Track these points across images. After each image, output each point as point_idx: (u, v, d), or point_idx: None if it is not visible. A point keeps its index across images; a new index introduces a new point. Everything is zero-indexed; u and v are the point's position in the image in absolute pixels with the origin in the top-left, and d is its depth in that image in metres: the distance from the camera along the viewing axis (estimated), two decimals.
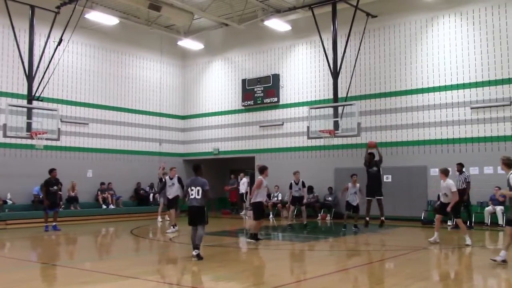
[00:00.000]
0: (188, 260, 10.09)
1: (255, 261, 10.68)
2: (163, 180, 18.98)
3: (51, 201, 15.38)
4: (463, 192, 15.32)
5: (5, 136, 16.16)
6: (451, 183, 11.82)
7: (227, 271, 8.87)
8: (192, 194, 9.87)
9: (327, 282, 7.93)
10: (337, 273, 8.86)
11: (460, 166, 15.56)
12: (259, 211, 12.44)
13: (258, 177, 12.53)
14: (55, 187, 15.53)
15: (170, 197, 15.06)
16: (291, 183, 16.10)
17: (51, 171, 15.62)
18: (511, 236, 8.89)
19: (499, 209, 15.70)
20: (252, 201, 12.58)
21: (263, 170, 12.50)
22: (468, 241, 11.63)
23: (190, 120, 24.84)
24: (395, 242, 12.77)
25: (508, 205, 9.17)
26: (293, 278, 8.45)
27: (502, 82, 16.60)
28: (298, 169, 16.93)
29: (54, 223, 15.43)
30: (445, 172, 11.95)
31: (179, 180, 15.10)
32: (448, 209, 11.80)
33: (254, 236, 12.39)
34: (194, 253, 9.69)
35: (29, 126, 16.93)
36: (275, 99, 21.70)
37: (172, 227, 14.91)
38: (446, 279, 8.47)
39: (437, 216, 12.29)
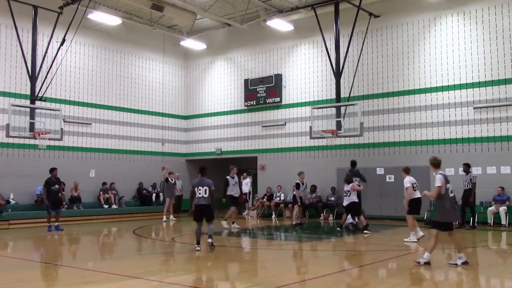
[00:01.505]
0: (190, 260, 10.11)
1: (257, 261, 10.68)
2: (170, 180, 19.19)
3: (53, 201, 15.34)
4: (469, 193, 15.26)
5: (8, 136, 16.20)
6: (405, 180, 12.62)
7: (229, 271, 8.87)
8: (200, 194, 10.73)
9: (329, 282, 7.92)
10: (339, 273, 8.85)
11: (467, 167, 15.49)
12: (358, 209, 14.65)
13: (352, 184, 14.49)
14: (56, 186, 15.48)
15: (236, 195, 15.55)
16: (298, 183, 16.13)
17: (52, 170, 15.60)
18: (436, 237, 8.92)
19: (502, 209, 15.67)
20: (346, 203, 14.55)
21: (350, 180, 14.62)
22: (412, 238, 12.10)
23: (193, 120, 24.85)
24: (398, 242, 12.73)
25: (434, 206, 9.10)
26: (295, 278, 8.44)
27: (505, 82, 16.56)
28: (300, 169, 16.94)
29: (56, 223, 15.44)
30: (405, 170, 12.96)
31: (239, 180, 15.93)
32: (405, 204, 12.57)
33: (366, 227, 14.35)
34: (198, 247, 10.68)
35: (32, 126, 16.97)
36: (278, 99, 21.69)
37: (232, 223, 15.48)
38: (449, 280, 8.45)
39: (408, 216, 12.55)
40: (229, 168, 15.55)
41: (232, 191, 15.23)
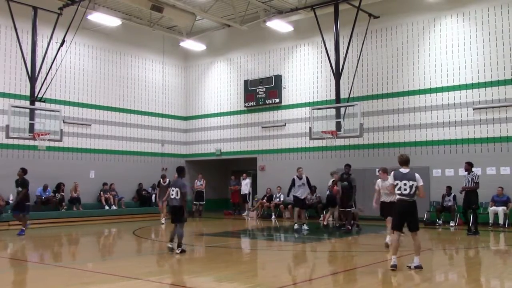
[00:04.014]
0: (189, 261, 10.10)
1: (257, 262, 10.68)
2: (162, 183, 19.18)
3: (16, 203, 14.42)
4: (471, 192, 14.19)
5: (7, 137, 16.20)
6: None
7: (229, 272, 8.87)
8: (172, 195, 10.77)
9: (329, 283, 7.92)
10: (340, 274, 8.85)
11: (469, 165, 14.30)
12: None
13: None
14: (19, 188, 14.36)
15: (302, 197, 15.52)
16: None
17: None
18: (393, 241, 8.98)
19: (501, 209, 15.66)
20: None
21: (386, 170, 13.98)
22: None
23: (192, 121, 24.85)
24: None
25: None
26: (295, 279, 8.44)
27: (504, 82, 16.57)
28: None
29: (21, 227, 14.34)
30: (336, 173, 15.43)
31: (308, 180, 15.63)
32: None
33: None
34: (169, 245, 10.74)
35: (31, 127, 16.96)
36: (277, 100, 21.69)
37: (304, 224, 15.56)
38: (450, 280, 8.45)
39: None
40: (297, 169, 15.74)
41: (297, 192, 15.37)
